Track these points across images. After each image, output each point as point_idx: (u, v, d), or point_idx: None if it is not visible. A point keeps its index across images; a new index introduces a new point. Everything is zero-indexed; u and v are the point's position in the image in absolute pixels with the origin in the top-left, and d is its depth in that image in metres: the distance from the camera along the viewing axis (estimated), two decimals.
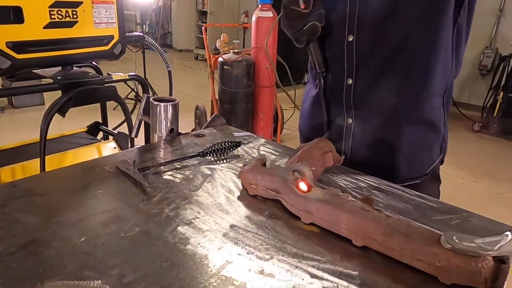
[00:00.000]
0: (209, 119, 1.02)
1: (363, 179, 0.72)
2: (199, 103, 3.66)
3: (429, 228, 0.47)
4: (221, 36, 2.81)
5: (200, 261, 0.46)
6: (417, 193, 0.69)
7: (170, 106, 0.85)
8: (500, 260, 0.44)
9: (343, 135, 0.88)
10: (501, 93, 4.12)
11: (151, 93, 4.37)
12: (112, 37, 1.40)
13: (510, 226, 0.59)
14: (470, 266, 0.42)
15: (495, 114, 4.18)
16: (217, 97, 3.23)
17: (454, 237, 0.44)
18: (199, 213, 0.57)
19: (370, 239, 0.49)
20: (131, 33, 1.55)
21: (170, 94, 1.91)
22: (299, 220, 0.56)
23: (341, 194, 0.54)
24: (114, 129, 1.85)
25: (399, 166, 0.84)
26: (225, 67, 2.88)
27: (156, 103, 0.84)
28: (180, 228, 0.53)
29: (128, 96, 4.46)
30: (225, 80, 2.98)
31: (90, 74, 1.41)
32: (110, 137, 1.75)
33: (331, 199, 0.53)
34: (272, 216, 0.58)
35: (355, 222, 0.50)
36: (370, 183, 0.71)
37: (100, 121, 1.85)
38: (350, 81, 0.83)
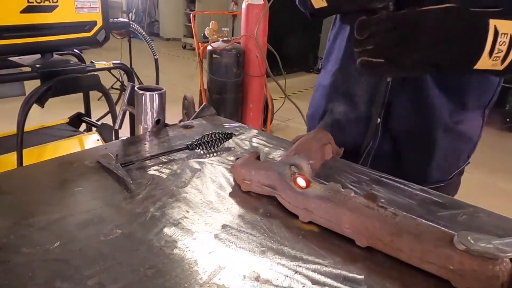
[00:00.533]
0: (197, 109, 0.96)
1: (362, 172, 0.68)
2: (187, 93, 3.58)
3: (441, 227, 0.43)
4: (210, 23, 2.73)
5: (189, 267, 0.42)
6: (421, 187, 0.65)
7: (156, 95, 0.79)
8: None
9: (369, 131, 0.81)
10: None
11: (137, 83, 4.26)
12: (95, 23, 1.32)
13: None
14: (487, 269, 0.39)
15: None
16: (205, 87, 3.16)
17: (469, 237, 0.40)
18: (188, 212, 0.52)
19: (376, 240, 0.45)
20: (115, 19, 1.47)
21: (157, 83, 1.84)
22: (297, 218, 0.52)
23: (343, 190, 0.50)
24: (98, 120, 1.78)
25: (425, 170, 0.81)
26: (214, 55, 2.81)
27: (141, 92, 0.78)
28: (166, 230, 0.48)
29: (113, 86, 4.34)
30: (214, 69, 2.90)
31: (71, 62, 1.33)
32: (94, 129, 1.68)
33: (332, 195, 0.49)
34: (267, 214, 0.53)
35: (359, 221, 0.45)
36: (371, 176, 0.67)
37: (83, 112, 1.77)
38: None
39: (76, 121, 1.76)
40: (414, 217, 0.45)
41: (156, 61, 1.75)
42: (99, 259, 0.42)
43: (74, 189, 0.56)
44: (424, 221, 0.45)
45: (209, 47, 2.86)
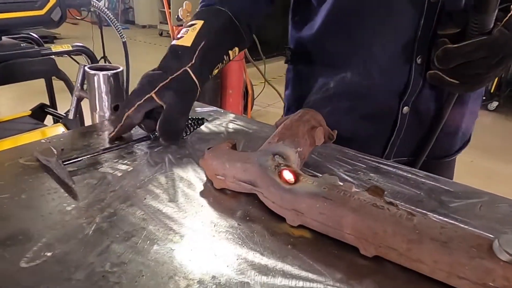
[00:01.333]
0: None
1: (357, 159, 0.58)
2: None
3: (473, 230, 0.33)
4: (184, 4, 2.55)
5: None
6: (425, 172, 0.55)
7: (112, 75, 0.66)
8: None
9: (394, 125, 0.68)
10: None
11: None
12: None
13: None
14: None
15: None
16: None
17: None
18: (144, 220, 0.41)
19: (387, 248, 0.34)
20: None
21: (127, 69, 1.69)
22: (284, 222, 0.41)
23: (341, 184, 0.40)
24: (67, 112, 1.62)
25: (455, 135, 0.74)
26: None
27: (92, 72, 0.65)
28: (114, 247, 0.36)
29: None
30: None
31: (22, 45, 1.17)
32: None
33: (328, 192, 0.38)
34: (246, 218, 0.42)
35: (366, 225, 0.35)
36: (367, 163, 0.57)
37: (48, 103, 1.60)
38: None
39: (39, 113, 1.59)
40: (436, 217, 0.35)
41: (124, 44, 1.59)
42: None
43: None
44: (449, 221, 0.35)
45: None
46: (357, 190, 0.39)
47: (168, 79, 0.55)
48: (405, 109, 0.66)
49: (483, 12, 0.51)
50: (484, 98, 4.10)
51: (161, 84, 0.55)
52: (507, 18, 0.52)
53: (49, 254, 0.35)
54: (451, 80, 0.55)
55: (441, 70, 0.56)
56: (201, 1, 0.71)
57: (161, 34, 8.13)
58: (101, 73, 0.65)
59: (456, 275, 0.31)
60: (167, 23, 3.05)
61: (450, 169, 0.78)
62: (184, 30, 0.62)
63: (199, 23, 0.61)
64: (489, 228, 0.43)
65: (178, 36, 0.62)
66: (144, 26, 8.79)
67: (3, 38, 1.22)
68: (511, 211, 0.46)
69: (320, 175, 0.42)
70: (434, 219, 0.35)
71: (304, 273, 0.35)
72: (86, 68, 0.66)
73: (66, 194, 0.44)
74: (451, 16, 0.57)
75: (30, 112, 1.63)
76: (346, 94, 0.67)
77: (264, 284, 0.33)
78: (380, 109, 0.66)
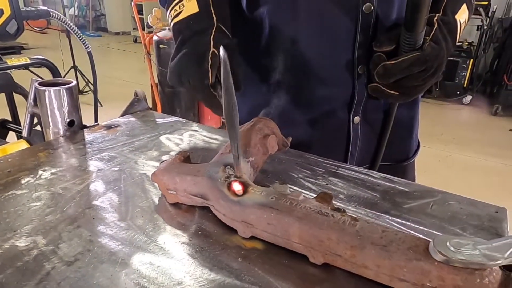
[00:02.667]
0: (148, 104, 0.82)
1: (316, 164, 0.58)
2: (138, 89, 3.35)
3: (412, 233, 0.34)
4: (153, 10, 2.52)
5: None
6: (382, 174, 0.56)
7: (64, 91, 0.64)
8: (507, 267, 0.32)
9: (348, 135, 0.69)
10: None
11: (82, 82, 3.94)
12: (0, 11, 1.12)
13: (496, 206, 0.48)
14: (474, 284, 0.30)
15: None
16: (156, 80, 2.96)
17: (448, 244, 0.31)
18: (91, 242, 0.39)
19: (333, 255, 0.35)
20: (30, 8, 1.26)
21: (94, 79, 1.65)
22: (236, 234, 0.41)
23: (290, 192, 0.40)
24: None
25: (410, 139, 0.77)
26: (161, 46, 2.61)
27: (42, 88, 0.63)
28: (53, 274, 0.35)
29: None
30: (164, 61, 2.71)
31: None
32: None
33: (274, 202, 0.38)
34: (199, 232, 0.42)
35: (311, 233, 0.35)
36: (326, 168, 0.57)
37: (9, 118, 1.54)
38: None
39: (0, 130, 1.53)
40: (378, 223, 0.35)
41: (89, 54, 1.55)
42: None
43: None
44: (390, 227, 0.35)
45: (155, 37, 2.66)
46: (306, 198, 0.39)
47: (212, 33, 0.52)
48: (356, 119, 0.68)
49: (413, 31, 0.53)
50: (458, 93, 4.24)
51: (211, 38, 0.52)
52: (433, 32, 0.56)
53: None
54: (391, 92, 0.58)
55: (382, 84, 0.58)
56: None
57: (135, 41, 8.01)
58: (52, 89, 0.63)
59: (397, 278, 0.32)
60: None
61: (410, 172, 0.79)
62: (176, 7, 0.58)
63: None
64: (439, 227, 0.44)
65: (173, 14, 0.58)
66: (117, 33, 8.65)
67: None
68: (460, 209, 0.47)
69: (270, 185, 0.42)
70: (378, 222, 0.35)
71: (254, 286, 0.34)
72: (36, 84, 0.64)
73: (8, 219, 0.42)
74: (386, 34, 0.59)
75: None
76: (298, 107, 0.68)
77: None
78: (332, 120, 0.67)
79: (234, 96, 0.38)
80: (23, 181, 0.50)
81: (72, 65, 3.85)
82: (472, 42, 4.37)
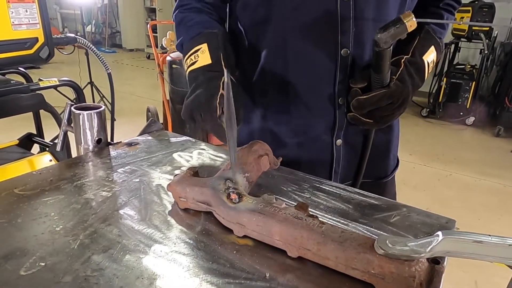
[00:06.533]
0: (159, 121, 0.94)
1: (303, 180, 0.69)
2: (151, 105, 3.52)
3: (364, 233, 0.45)
4: (167, 33, 2.70)
5: None
6: (358, 190, 0.67)
7: (95, 114, 0.76)
8: (434, 261, 0.42)
9: (332, 156, 0.80)
10: (444, 79, 4.36)
11: (97, 97, 4.13)
12: (35, 39, 1.27)
13: (446, 218, 0.58)
14: (404, 271, 0.40)
15: (440, 99, 4.41)
16: (168, 97, 3.12)
17: (387, 241, 0.41)
18: (119, 236, 0.51)
19: (305, 250, 0.45)
20: (60, 35, 1.42)
21: (112, 98, 1.79)
22: (233, 233, 0.52)
23: (275, 201, 0.51)
24: (52, 140, 1.70)
25: (388, 157, 0.87)
26: (173, 66, 2.77)
27: (78, 112, 0.76)
28: (95, 258, 0.46)
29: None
30: (175, 80, 2.87)
31: (12, 81, 1.27)
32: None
33: (262, 208, 0.49)
34: (203, 232, 0.53)
35: (288, 233, 0.46)
36: (311, 183, 0.68)
37: (34, 132, 1.69)
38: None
39: (26, 142, 1.67)
40: (341, 224, 0.46)
41: (109, 75, 1.70)
42: None
43: None
44: (349, 228, 0.46)
45: (168, 58, 2.83)
46: (287, 206, 0.50)
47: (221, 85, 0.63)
48: (338, 141, 0.79)
49: (379, 73, 0.66)
50: (461, 114, 4.32)
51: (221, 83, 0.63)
52: (399, 72, 0.68)
53: (42, 264, 0.45)
54: (366, 120, 0.71)
55: (359, 114, 0.70)
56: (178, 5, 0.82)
57: (148, 57, 8.29)
58: (85, 112, 0.75)
59: (350, 267, 0.42)
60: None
61: (390, 188, 0.90)
62: (191, 56, 0.71)
63: (204, 45, 0.70)
64: (395, 233, 0.54)
65: (189, 63, 0.71)
66: (131, 50, 8.96)
67: None
68: (417, 219, 0.58)
69: (259, 196, 0.53)
70: (337, 227, 0.46)
71: (243, 273, 0.45)
72: (72, 108, 0.77)
73: (56, 217, 0.54)
74: (360, 73, 0.71)
75: (18, 141, 1.71)
76: (288, 132, 0.80)
77: (209, 282, 0.43)
78: (318, 143, 0.79)
79: (233, 105, 0.50)
80: (63, 188, 0.62)
81: (89, 80, 4.04)
82: (475, 65, 4.47)
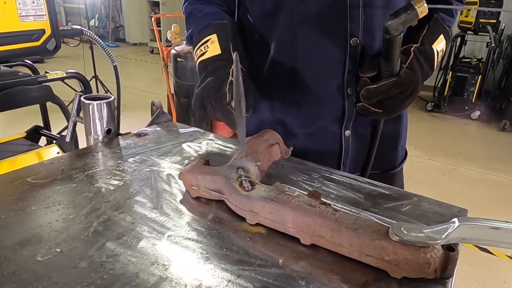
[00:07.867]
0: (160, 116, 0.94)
1: (313, 170, 0.69)
2: (155, 99, 3.52)
3: (377, 221, 0.45)
4: (172, 26, 2.69)
5: (130, 280, 0.41)
6: (368, 180, 0.67)
7: (104, 104, 0.77)
8: (449, 248, 0.42)
9: (341, 147, 0.80)
10: (450, 73, 4.33)
11: (102, 91, 4.14)
12: (43, 31, 1.27)
13: (458, 207, 0.58)
14: (419, 257, 0.40)
15: (445, 93, 4.38)
16: (172, 91, 3.12)
17: (402, 228, 0.41)
18: (133, 223, 0.51)
19: (318, 237, 0.45)
20: (66, 27, 1.42)
21: (118, 90, 1.79)
22: (245, 221, 0.52)
23: (287, 189, 0.51)
24: (60, 132, 1.71)
25: (396, 148, 0.86)
26: (178, 59, 2.77)
27: (87, 102, 0.76)
28: (109, 244, 0.46)
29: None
30: (180, 73, 2.87)
31: (20, 73, 1.28)
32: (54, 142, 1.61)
33: (275, 196, 0.49)
34: (216, 219, 0.53)
35: (301, 220, 0.46)
36: (321, 173, 0.68)
37: (41, 124, 1.70)
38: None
39: (34, 135, 1.69)
40: (352, 213, 0.46)
41: (115, 68, 1.70)
42: (34, 281, 0.40)
43: (11, 211, 0.53)
44: (362, 215, 0.46)
45: (173, 51, 2.82)
46: (299, 194, 0.50)
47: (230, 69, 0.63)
48: (347, 132, 0.79)
49: (389, 61, 0.65)
50: (467, 108, 4.29)
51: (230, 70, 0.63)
52: (409, 61, 0.67)
53: (58, 250, 0.45)
54: (376, 110, 0.70)
55: (368, 104, 0.70)
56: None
57: (152, 52, 8.28)
58: (95, 103, 0.75)
59: (364, 254, 0.42)
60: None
61: (398, 179, 0.90)
62: (201, 47, 0.72)
63: (213, 36, 0.71)
64: (408, 222, 0.54)
65: (199, 54, 0.72)
66: (135, 44, 8.95)
67: (1, 66, 1.32)
68: (429, 208, 0.58)
69: (271, 185, 0.53)
70: (351, 214, 0.46)
71: (256, 260, 0.45)
72: (82, 98, 0.77)
73: (69, 206, 0.55)
74: (369, 62, 0.70)
75: (25, 134, 1.73)
76: (297, 122, 0.79)
77: (223, 268, 0.44)
78: (327, 133, 0.79)
79: (242, 88, 0.51)
80: (74, 177, 0.63)
81: (94, 74, 4.05)
82: (482, 58, 4.43)
